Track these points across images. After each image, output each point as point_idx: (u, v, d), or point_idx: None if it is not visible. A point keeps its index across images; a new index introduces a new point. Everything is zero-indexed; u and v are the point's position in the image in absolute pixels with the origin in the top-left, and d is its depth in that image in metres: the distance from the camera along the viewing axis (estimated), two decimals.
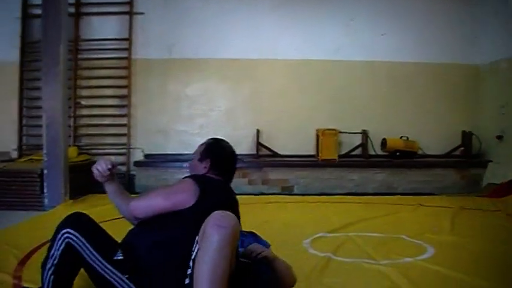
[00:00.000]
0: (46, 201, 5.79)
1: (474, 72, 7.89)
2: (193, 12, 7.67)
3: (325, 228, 4.47)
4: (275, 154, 7.47)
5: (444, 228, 4.55)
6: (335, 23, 7.79)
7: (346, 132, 7.52)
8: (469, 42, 7.89)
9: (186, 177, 2.67)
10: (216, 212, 2.08)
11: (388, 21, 7.79)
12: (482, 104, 7.80)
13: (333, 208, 5.76)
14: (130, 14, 7.61)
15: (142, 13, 7.66)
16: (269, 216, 5.13)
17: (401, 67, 7.81)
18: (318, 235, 4.22)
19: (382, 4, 7.79)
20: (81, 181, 6.68)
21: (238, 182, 6.53)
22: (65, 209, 5.57)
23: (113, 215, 5.06)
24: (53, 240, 2.36)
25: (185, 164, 2.60)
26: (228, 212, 2.11)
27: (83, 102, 7.64)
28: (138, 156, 7.63)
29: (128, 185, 7.40)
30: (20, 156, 7.32)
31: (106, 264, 2.31)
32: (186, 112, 7.73)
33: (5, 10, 7.54)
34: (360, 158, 7.60)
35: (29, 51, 7.53)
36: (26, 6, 7.56)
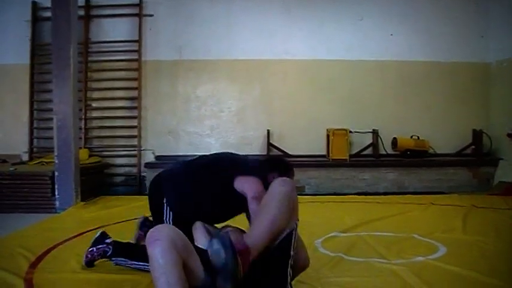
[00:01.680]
0: (57, 203, 5.81)
1: (484, 70, 7.86)
2: (202, 13, 7.68)
3: (337, 228, 4.45)
4: (286, 154, 7.46)
5: (456, 226, 4.52)
6: (344, 22, 7.78)
7: (356, 132, 7.49)
8: (478, 40, 7.86)
9: None
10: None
11: (396, 21, 7.78)
12: (492, 102, 7.77)
13: (344, 208, 5.75)
14: (140, 16, 7.63)
15: (151, 15, 7.69)
16: None
17: (411, 66, 7.78)
18: (329, 235, 4.21)
19: (390, 4, 7.78)
20: (93, 183, 6.73)
21: None
22: (76, 211, 5.61)
23: (124, 217, 5.10)
24: None
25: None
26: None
27: (94, 104, 7.68)
28: (149, 157, 7.65)
29: (139, 186, 7.43)
30: (31, 158, 7.36)
31: None
32: (196, 113, 7.74)
33: (15, 13, 7.62)
34: (370, 158, 7.57)
35: (39, 54, 7.59)
36: (35, 9, 7.62)
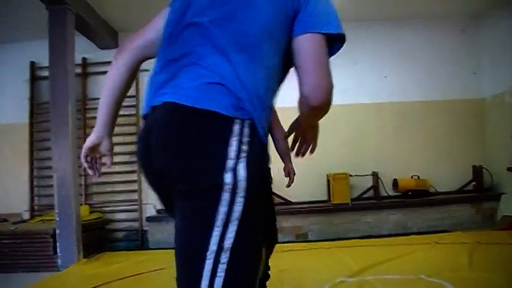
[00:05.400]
0: (59, 261, 5.75)
1: (479, 106, 7.94)
2: None
3: (344, 273, 4.41)
4: (287, 202, 7.44)
5: (462, 264, 4.48)
6: (339, 68, 7.86)
7: (356, 175, 7.50)
8: (471, 77, 7.97)
9: None
10: None
11: (389, 63, 7.90)
12: (490, 137, 7.81)
13: (349, 252, 5.69)
14: None
15: (147, 70, 7.77)
16: (285, 265, 5.07)
17: (407, 106, 7.85)
18: (337, 280, 4.17)
19: (382, 47, 7.91)
20: (94, 239, 6.69)
21: None
22: (78, 269, 5.56)
23: (127, 273, 5.05)
24: None
25: None
26: None
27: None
28: (150, 211, 7.61)
29: (141, 241, 7.38)
30: (32, 217, 7.33)
31: None
32: None
33: (14, 74, 7.76)
34: (372, 200, 7.55)
35: (38, 113, 7.66)
36: (33, 68, 7.74)
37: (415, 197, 7.39)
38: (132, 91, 7.65)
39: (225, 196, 1.40)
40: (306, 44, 1.57)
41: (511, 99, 7.23)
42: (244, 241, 1.42)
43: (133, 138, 7.57)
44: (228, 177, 1.40)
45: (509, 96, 7.27)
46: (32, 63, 7.75)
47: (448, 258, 4.90)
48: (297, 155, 2.09)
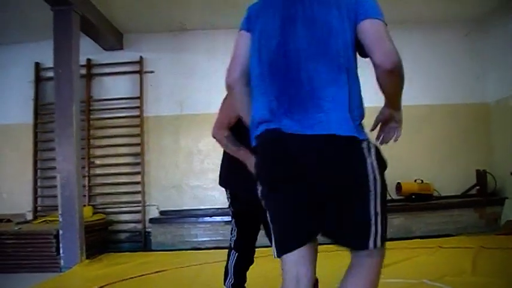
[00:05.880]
0: (62, 262, 5.76)
1: (483, 110, 7.93)
2: (202, 68, 7.81)
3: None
4: None
5: (465, 269, 4.46)
6: None
7: None
8: (475, 82, 7.96)
9: None
10: None
11: None
12: (494, 142, 7.80)
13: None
14: (141, 72, 7.77)
15: (152, 71, 7.82)
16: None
17: (411, 110, 7.76)
18: (337, 285, 4.15)
19: None
20: (97, 240, 6.69)
21: None
22: (81, 270, 5.56)
23: (130, 274, 5.05)
24: None
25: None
26: None
27: (97, 161, 7.71)
28: (154, 213, 7.62)
29: (144, 242, 7.38)
30: (35, 217, 7.34)
31: None
32: (199, 167, 7.77)
33: (18, 75, 7.79)
34: None
35: (42, 114, 7.69)
36: (38, 69, 7.78)
37: (418, 200, 7.37)
38: (136, 93, 7.72)
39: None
40: (371, 26, 1.96)
41: None
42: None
43: (138, 140, 7.59)
44: None
45: None
46: (37, 64, 7.77)
47: (451, 262, 4.88)
48: (381, 143, 2.34)
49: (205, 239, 7.10)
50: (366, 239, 1.98)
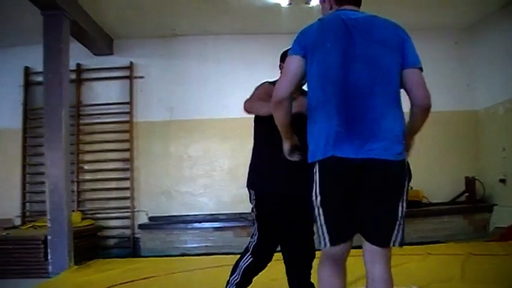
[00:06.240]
0: (50, 268, 5.71)
1: (473, 117, 7.98)
2: (192, 74, 7.80)
3: None
4: None
5: (454, 275, 4.48)
6: None
7: None
8: (465, 89, 8.02)
9: None
10: None
11: None
12: (483, 149, 7.85)
13: None
14: (131, 78, 7.75)
15: (142, 77, 7.80)
16: (278, 274, 5.06)
17: None
18: None
19: None
20: (86, 246, 6.65)
21: (243, 240, 6.47)
22: (69, 276, 5.52)
23: (118, 280, 5.02)
24: None
25: None
26: None
27: (86, 166, 7.68)
28: (143, 219, 7.59)
29: (133, 248, 7.34)
30: (24, 223, 7.28)
31: None
32: (189, 173, 7.75)
33: (8, 79, 7.74)
34: None
35: (31, 118, 7.64)
36: (28, 74, 7.73)
37: (407, 207, 7.35)
38: (126, 98, 7.70)
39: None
40: (415, 74, 2.48)
41: (504, 111, 7.27)
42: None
43: (127, 145, 7.56)
44: None
45: (503, 108, 7.31)
46: (27, 69, 7.73)
47: (440, 269, 4.90)
48: None
49: (194, 245, 7.08)
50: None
